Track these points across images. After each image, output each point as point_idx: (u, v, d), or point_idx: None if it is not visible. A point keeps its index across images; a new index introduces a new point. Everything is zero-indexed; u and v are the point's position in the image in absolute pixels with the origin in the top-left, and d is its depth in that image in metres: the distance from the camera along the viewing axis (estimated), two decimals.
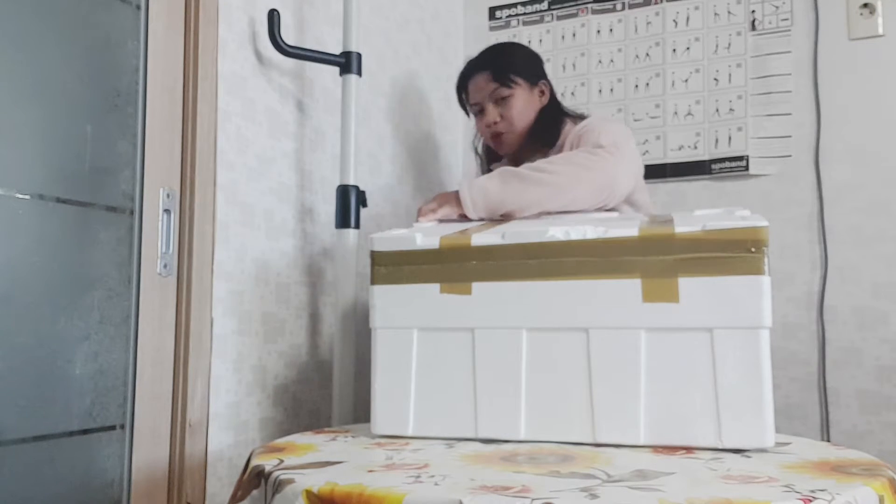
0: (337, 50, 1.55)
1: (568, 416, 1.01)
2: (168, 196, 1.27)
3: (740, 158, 1.88)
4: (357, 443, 1.05)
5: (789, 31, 1.86)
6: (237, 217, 1.38)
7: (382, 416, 1.09)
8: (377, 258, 1.11)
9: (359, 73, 1.52)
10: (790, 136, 1.84)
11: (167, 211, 1.27)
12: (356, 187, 1.50)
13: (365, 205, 1.51)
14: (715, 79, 1.92)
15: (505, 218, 1.32)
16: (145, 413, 1.22)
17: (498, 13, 2.22)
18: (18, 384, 1.05)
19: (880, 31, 1.78)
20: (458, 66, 2.23)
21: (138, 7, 1.25)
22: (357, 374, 1.48)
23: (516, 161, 1.57)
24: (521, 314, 1.04)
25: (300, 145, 1.56)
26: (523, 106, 1.55)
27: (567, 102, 1.89)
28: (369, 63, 1.77)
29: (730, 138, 1.89)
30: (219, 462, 1.31)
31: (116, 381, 1.19)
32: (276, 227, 1.48)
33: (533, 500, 0.70)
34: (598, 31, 2.05)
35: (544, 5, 2.15)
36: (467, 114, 1.67)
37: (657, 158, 1.96)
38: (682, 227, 0.99)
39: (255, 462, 0.92)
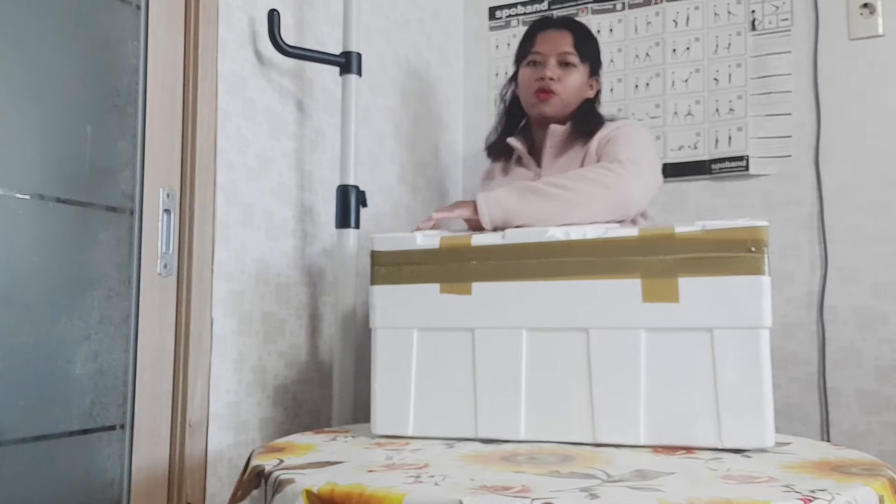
0: (337, 50, 1.55)
1: (568, 416, 1.01)
2: (168, 196, 1.27)
3: (740, 158, 1.87)
4: (357, 443, 1.05)
5: (789, 31, 1.86)
6: (237, 217, 1.38)
7: (382, 416, 1.09)
8: (377, 258, 1.11)
9: (359, 73, 1.52)
10: (790, 136, 1.84)
11: (167, 211, 1.27)
12: (356, 187, 1.50)
13: (365, 205, 1.51)
14: (715, 79, 1.92)
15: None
16: (145, 413, 1.22)
17: (498, 13, 2.22)
18: (18, 384, 1.05)
19: (880, 31, 1.78)
20: (459, 66, 2.24)
21: (138, 7, 1.25)
22: (357, 374, 1.48)
23: (541, 133, 1.56)
24: (521, 314, 1.04)
25: (300, 145, 1.56)
26: (579, 84, 1.55)
27: None
28: (369, 63, 1.77)
29: (730, 138, 1.89)
30: (219, 462, 1.31)
31: (116, 381, 1.19)
32: (276, 227, 1.48)
33: (533, 500, 0.70)
34: (598, 31, 2.05)
35: (544, 5, 2.15)
36: (516, 65, 1.62)
37: None
38: (681, 227, 0.99)
39: (255, 462, 0.92)
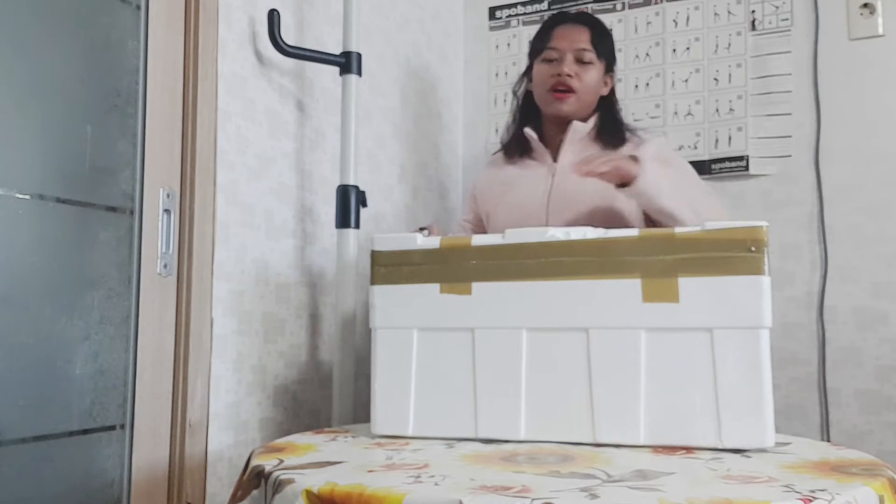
0: (337, 50, 1.55)
1: (568, 416, 1.01)
2: (168, 196, 1.27)
3: (740, 158, 1.87)
4: (357, 443, 1.05)
5: (789, 31, 1.86)
6: (237, 217, 1.38)
7: (382, 416, 1.09)
8: (377, 258, 1.11)
9: (359, 73, 1.52)
10: (790, 136, 1.84)
11: (167, 211, 1.27)
12: (356, 187, 1.50)
13: (365, 205, 1.51)
14: (715, 79, 1.92)
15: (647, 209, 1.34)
16: (145, 413, 1.22)
17: (498, 13, 2.22)
18: (18, 384, 1.05)
19: (880, 31, 1.77)
20: (459, 66, 2.24)
21: (138, 7, 1.25)
22: (357, 374, 1.48)
23: (555, 128, 1.54)
24: (521, 314, 1.04)
25: (300, 145, 1.56)
26: (596, 82, 1.52)
27: None
28: (369, 63, 1.77)
29: (730, 138, 1.89)
30: (219, 462, 1.31)
31: (116, 381, 1.19)
32: (276, 228, 1.48)
33: (533, 500, 0.70)
34: None
35: (544, 5, 2.15)
36: (531, 59, 1.59)
37: None
38: (681, 227, 0.99)
39: (255, 462, 0.92)
